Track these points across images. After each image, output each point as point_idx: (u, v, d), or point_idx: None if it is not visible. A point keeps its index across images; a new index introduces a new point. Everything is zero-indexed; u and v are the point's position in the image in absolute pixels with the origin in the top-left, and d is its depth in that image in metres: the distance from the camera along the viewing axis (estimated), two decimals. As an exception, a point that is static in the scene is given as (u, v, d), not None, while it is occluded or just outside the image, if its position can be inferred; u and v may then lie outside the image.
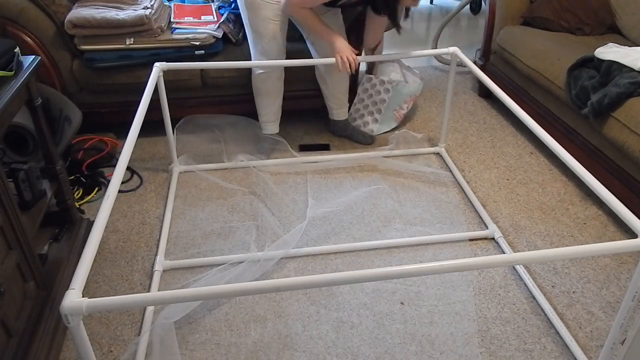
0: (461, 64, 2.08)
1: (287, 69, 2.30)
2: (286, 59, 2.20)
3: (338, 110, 2.45)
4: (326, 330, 1.53)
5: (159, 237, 1.89)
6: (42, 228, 1.62)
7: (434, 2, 4.91)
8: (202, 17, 2.37)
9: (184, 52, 2.25)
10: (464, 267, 1.08)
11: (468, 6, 4.53)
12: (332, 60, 2.09)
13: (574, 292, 1.66)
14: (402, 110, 2.58)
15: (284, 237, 1.84)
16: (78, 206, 2.02)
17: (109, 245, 1.87)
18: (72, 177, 2.16)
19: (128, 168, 2.27)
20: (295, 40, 2.35)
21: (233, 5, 2.46)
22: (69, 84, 2.29)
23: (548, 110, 2.34)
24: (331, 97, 2.40)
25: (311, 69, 2.35)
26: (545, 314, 1.58)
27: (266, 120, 2.33)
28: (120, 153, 1.38)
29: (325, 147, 2.44)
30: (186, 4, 2.48)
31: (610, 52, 2.01)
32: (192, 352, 1.47)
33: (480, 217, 1.99)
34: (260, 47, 2.13)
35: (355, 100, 2.61)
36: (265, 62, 2.14)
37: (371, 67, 2.61)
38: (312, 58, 2.26)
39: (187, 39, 2.23)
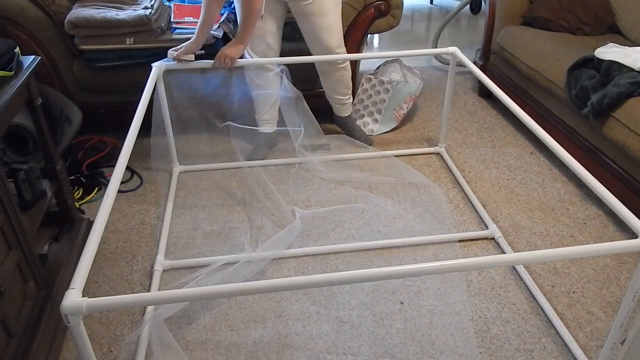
0: (461, 64, 2.08)
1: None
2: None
3: (338, 107, 2.44)
4: (326, 330, 1.53)
5: (159, 237, 1.89)
6: (42, 228, 1.62)
7: (434, 2, 4.92)
8: (202, 17, 2.36)
9: (184, 52, 2.24)
10: (464, 267, 1.08)
11: (468, 6, 4.53)
12: (324, 57, 2.13)
13: (574, 292, 1.66)
14: (402, 110, 2.58)
15: (278, 234, 1.84)
16: (78, 206, 2.02)
17: (109, 245, 1.87)
18: (72, 177, 2.16)
19: (128, 168, 2.28)
20: (294, 40, 2.35)
21: (233, 5, 2.46)
22: (69, 84, 2.29)
23: (548, 110, 2.34)
24: (328, 97, 2.41)
25: (311, 68, 2.35)
26: (545, 314, 1.58)
27: (259, 117, 2.33)
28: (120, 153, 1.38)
29: (325, 147, 2.44)
30: (186, 4, 2.48)
31: (610, 52, 2.01)
32: (192, 352, 1.47)
33: (480, 217, 1.99)
34: (249, 42, 2.14)
35: (355, 101, 2.61)
36: (262, 59, 2.14)
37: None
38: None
39: (187, 39, 2.23)
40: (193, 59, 2.06)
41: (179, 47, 2.04)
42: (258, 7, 1.93)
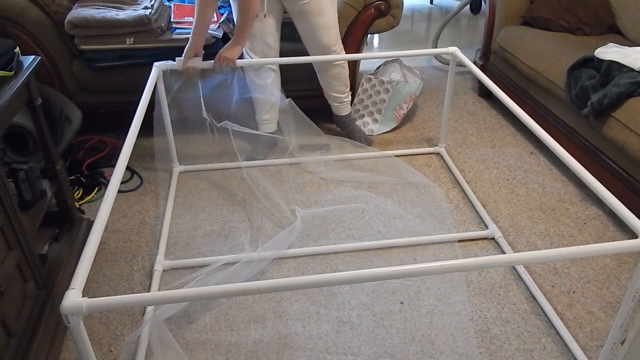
0: (461, 64, 2.08)
1: (285, 69, 2.29)
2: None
3: (337, 106, 2.44)
4: (326, 330, 1.53)
5: (159, 237, 1.89)
6: (42, 228, 1.62)
7: (434, 2, 4.92)
8: (202, 17, 2.36)
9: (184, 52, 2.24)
10: (464, 267, 1.08)
11: (468, 6, 4.53)
12: (325, 57, 2.14)
13: (574, 292, 1.66)
14: (402, 110, 2.58)
15: (279, 234, 1.84)
16: (78, 206, 2.02)
17: (109, 245, 1.87)
18: (72, 177, 2.16)
19: (128, 168, 2.28)
20: (294, 40, 2.35)
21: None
22: (69, 84, 2.29)
23: (548, 110, 2.34)
24: (326, 95, 2.41)
25: (310, 68, 2.35)
26: (545, 314, 1.58)
27: (259, 118, 2.32)
28: (120, 153, 1.38)
29: (325, 147, 2.44)
30: (186, 4, 2.48)
31: (610, 52, 2.01)
32: (192, 352, 1.47)
33: (480, 217, 1.99)
34: (248, 43, 2.15)
35: (355, 100, 2.61)
36: (261, 59, 2.14)
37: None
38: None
39: (187, 39, 2.22)
40: (200, 61, 2.06)
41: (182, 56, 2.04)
42: (254, 7, 1.93)
